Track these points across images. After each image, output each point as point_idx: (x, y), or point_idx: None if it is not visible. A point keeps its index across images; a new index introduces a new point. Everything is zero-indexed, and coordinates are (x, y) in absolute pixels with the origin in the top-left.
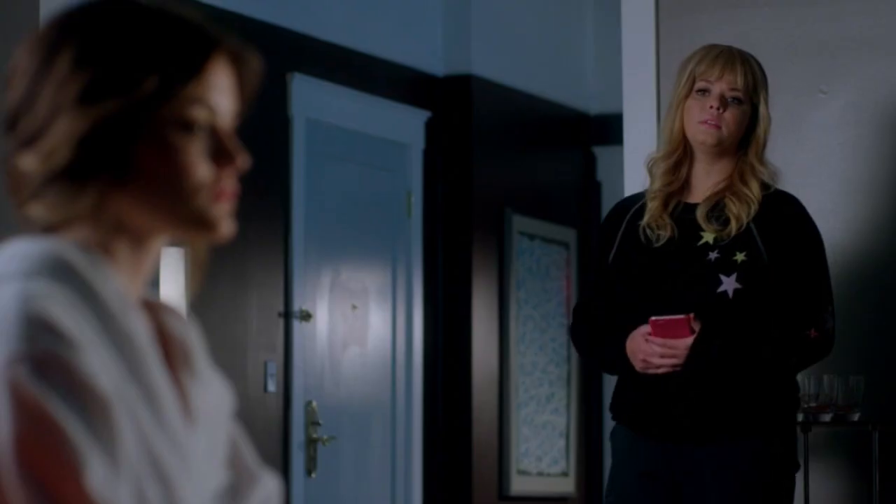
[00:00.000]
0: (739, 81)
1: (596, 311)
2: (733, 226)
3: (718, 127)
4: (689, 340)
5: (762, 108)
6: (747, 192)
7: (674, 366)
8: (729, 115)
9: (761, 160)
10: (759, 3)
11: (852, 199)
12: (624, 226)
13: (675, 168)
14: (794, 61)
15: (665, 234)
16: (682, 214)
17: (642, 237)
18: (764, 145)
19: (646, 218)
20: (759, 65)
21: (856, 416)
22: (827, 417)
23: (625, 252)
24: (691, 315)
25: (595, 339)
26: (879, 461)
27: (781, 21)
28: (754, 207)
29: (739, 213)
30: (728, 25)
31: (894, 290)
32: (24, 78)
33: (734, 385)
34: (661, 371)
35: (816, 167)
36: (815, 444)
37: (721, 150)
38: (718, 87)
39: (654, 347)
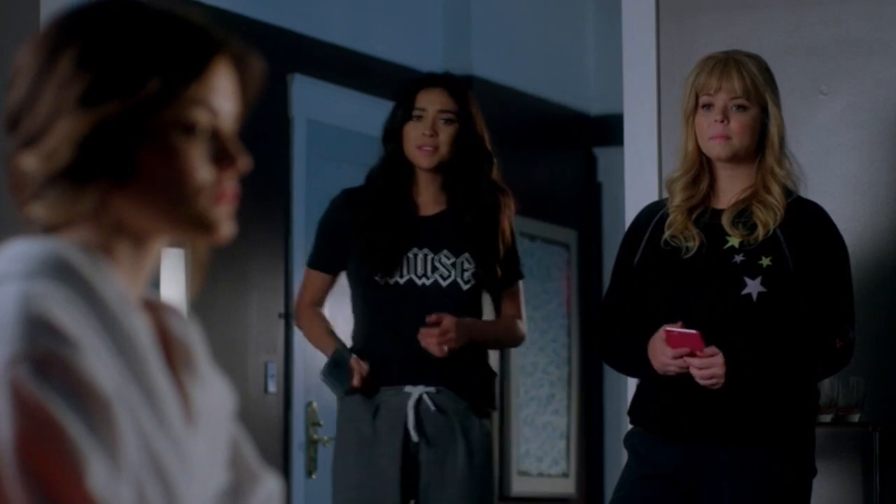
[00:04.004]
0: (738, 88)
1: (617, 314)
2: (760, 231)
3: (728, 138)
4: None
5: (771, 109)
6: (772, 199)
7: (714, 379)
8: (735, 124)
9: (780, 162)
10: (760, 5)
11: (852, 200)
12: (649, 231)
13: (694, 183)
14: (794, 62)
15: (693, 244)
16: (710, 220)
17: (664, 245)
18: (781, 146)
19: (669, 231)
20: (763, 64)
21: (856, 418)
22: (827, 418)
23: (648, 256)
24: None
25: (616, 342)
26: (880, 462)
27: (781, 22)
28: (780, 214)
29: (767, 219)
30: (728, 26)
31: (894, 292)
32: (26, 78)
33: (757, 390)
34: (673, 372)
35: (816, 168)
36: (816, 445)
37: (738, 159)
38: (720, 99)
39: (670, 357)
